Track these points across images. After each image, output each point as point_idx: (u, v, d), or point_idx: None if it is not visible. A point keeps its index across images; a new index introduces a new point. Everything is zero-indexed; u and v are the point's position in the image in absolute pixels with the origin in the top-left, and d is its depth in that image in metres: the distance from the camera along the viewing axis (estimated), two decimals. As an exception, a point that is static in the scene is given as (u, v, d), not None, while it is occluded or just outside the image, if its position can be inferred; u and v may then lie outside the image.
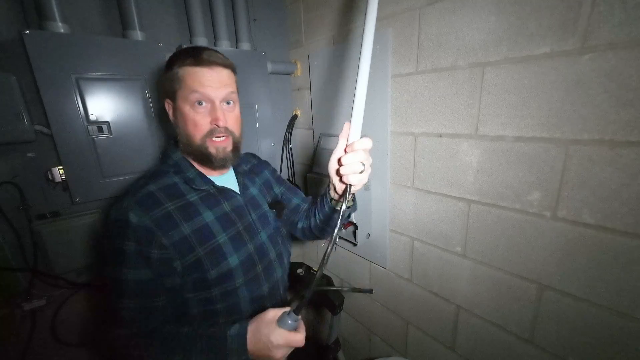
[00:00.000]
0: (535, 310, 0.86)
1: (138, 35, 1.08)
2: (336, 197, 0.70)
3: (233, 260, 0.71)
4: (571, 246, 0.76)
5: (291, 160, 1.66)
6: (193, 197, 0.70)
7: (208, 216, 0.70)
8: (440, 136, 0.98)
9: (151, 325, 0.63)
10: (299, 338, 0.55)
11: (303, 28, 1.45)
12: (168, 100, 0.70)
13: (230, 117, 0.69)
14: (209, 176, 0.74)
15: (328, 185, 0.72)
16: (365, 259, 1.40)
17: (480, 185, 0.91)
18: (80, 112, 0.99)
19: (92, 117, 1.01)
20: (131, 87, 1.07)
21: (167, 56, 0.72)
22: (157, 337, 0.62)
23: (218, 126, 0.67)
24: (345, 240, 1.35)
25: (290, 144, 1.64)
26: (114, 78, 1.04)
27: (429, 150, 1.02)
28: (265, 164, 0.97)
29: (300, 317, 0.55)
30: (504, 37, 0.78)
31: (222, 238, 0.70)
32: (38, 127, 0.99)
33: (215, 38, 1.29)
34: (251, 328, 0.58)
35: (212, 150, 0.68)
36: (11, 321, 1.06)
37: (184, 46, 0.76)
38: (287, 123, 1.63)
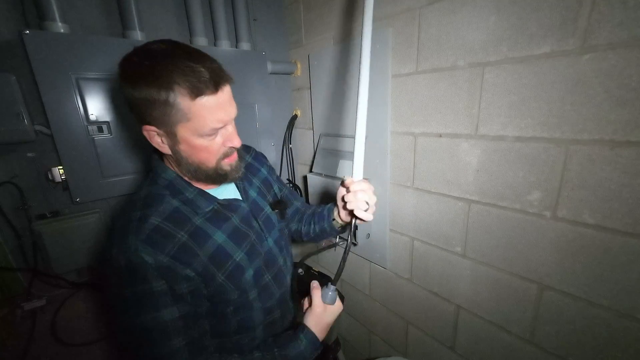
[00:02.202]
0: (535, 310, 0.86)
1: (138, 35, 1.08)
2: (339, 220, 0.79)
3: (249, 274, 0.68)
4: (571, 246, 0.76)
5: (291, 160, 1.66)
6: (199, 219, 0.63)
7: (219, 237, 0.64)
8: (440, 136, 0.98)
9: (208, 352, 0.59)
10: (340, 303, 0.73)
11: (303, 28, 1.45)
12: (153, 129, 0.56)
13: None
14: (207, 190, 0.67)
15: (334, 205, 0.81)
16: (365, 259, 1.40)
17: (480, 185, 0.91)
18: (80, 112, 0.99)
19: (92, 117, 1.01)
20: (131, 87, 1.07)
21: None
22: None
23: (235, 147, 0.63)
24: (345, 240, 1.35)
25: (290, 144, 1.64)
26: (114, 78, 1.03)
27: (429, 150, 1.02)
28: (260, 159, 0.89)
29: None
30: (504, 37, 0.78)
31: (239, 255, 0.66)
32: (38, 127, 0.99)
33: (215, 38, 1.29)
34: (315, 328, 0.69)
35: (226, 168, 0.64)
36: (11, 321, 1.06)
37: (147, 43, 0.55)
38: (287, 123, 1.63)
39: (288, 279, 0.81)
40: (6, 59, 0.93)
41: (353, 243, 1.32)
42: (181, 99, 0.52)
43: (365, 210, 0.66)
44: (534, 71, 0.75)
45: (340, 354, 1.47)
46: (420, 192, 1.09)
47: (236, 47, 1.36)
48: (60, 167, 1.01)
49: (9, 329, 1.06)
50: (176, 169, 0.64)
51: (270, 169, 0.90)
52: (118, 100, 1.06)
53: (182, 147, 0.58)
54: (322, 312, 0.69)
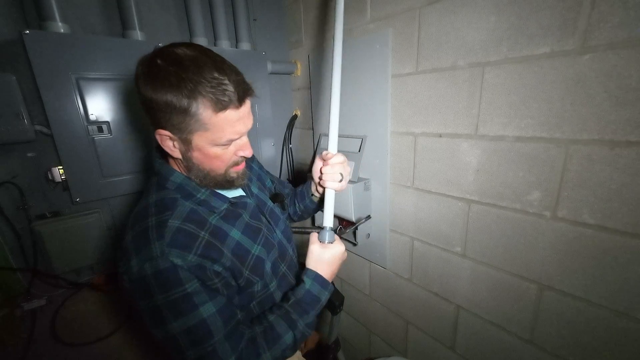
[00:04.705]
0: (535, 310, 0.86)
1: (138, 35, 1.08)
2: (316, 194, 0.86)
3: (267, 266, 0.69)
4: (571, 246, 0.76)
5: (291, 160, 1.66)
6: (214, 219, 0.63)
7: (235, 234, 0.65)
8: (440, 136, 0.98)
9: (244, 338, 0.60)
10: (340, 243, 0.73)
11: (303, 28, 1.45)
12: (167, 134, 0.56)
13: None
14: (216, 190, 0.68)
15: (310, 182, 0.88)
16: (365, 259, 1.40)
17: (480, 185, 0.91)
18: (80, 112, 0.99)
19: (92, 117, 1.01)
20: (131, 87, 1.07)
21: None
22: (260, 339, 0.60)
23: (246, 157, 0.64)
24: (345, 240, 1.35)
25: (290, 144, 1.64)
26: (114, 78, 1.03)
27: (429, 150, 1.02)
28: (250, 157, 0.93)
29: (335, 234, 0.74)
30: (504, 37, 0.78)
31: (256, 249, 0.67)
32: (38, 127, 0.99)
33: (215, 38, 1.29)
34: (315, 265, 0.69)
35: (234, 175, 0.64)
36: (11, 321, 1.06)
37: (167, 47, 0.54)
38: (287, 123, 1.63)
39: (298, 267, 0.83)
40: (6, 59, 0.93)
41: (353, 243, 1.32)
42: (203, 110, 0.51)
43: (340, 182, 0.74)
44: (534, 71, 0.75)
45: (340, 354, 1.47)
46: (420, 192, 1.09)
47: (236, 47, 1.36)
48: (60, 167, 1.01)
49: (9, 329, 1.06)
50: (184, 173, 0.64)
51: (259, 164, 0.92)
52: (118, 100, 1.06)
53: (195, 154, 0.58)
54: (318, 249, 0.69)
